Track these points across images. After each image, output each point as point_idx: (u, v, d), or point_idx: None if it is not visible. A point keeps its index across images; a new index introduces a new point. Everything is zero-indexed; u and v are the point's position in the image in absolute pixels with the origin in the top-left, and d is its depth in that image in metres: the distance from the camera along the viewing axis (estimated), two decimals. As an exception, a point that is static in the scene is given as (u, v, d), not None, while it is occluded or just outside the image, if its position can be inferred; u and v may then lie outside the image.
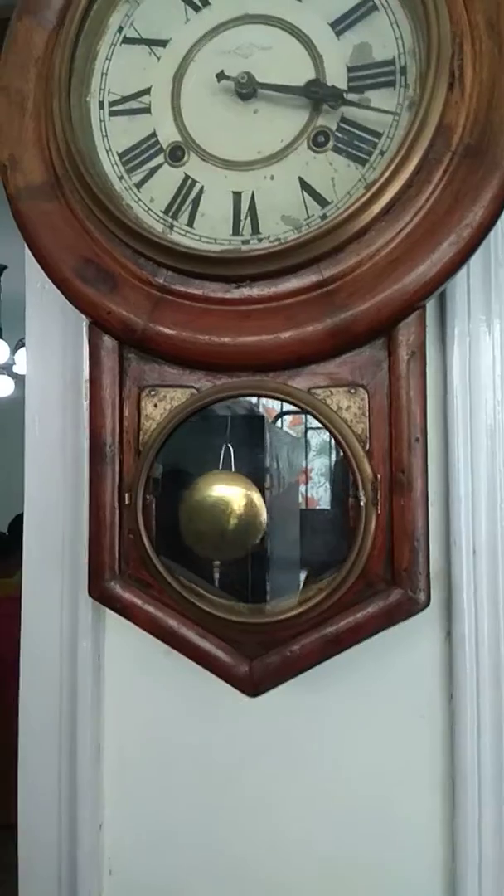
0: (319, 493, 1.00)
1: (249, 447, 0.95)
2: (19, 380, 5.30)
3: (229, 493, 0.90)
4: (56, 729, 1.05)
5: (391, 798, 0.96)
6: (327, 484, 0.94)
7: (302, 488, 0.98)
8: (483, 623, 0.93)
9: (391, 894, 0.96)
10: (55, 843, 1.06)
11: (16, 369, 5.37)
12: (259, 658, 0.85)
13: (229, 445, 0.92)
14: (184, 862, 1.03)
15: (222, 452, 0.92)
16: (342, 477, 0.84)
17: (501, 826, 0.92)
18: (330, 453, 0.96)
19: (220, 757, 1.01)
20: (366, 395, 0.84)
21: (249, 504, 0.90)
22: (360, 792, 0.97)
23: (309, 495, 1.00)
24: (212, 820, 1.01)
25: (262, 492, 0.89)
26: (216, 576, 0.89)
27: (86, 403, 1.02)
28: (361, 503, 0.81)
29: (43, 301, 1.09)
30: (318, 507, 1.01)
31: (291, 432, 1.02)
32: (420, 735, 0.96)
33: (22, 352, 5.05)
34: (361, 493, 0.81)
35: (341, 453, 0.83)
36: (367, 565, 0.82)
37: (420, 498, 0.82)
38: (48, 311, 1.09)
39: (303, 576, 0.94)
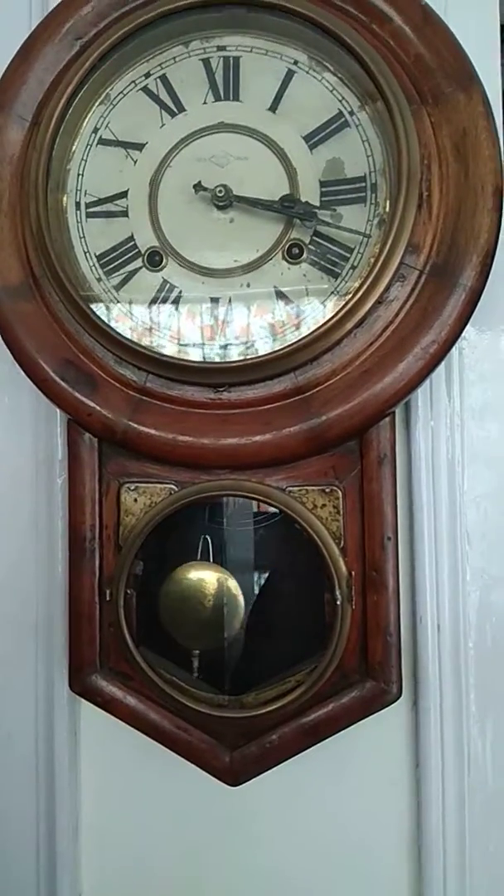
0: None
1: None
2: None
3: (207, 582, 0.93)
4: (34, 804, 1.06)
5: (362, 864, 1.01)
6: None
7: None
8: (447, 695, 0.99)
9: None
10: (34, 914, 1.08)
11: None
12: (239, 749, 0.89)
13: (207, 537, 0.95)
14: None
15: (200, 543, 0.94)
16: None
17: (464, 883, 0.99)
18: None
19: (196, 828, 1.04)
20: (340, 494, 0.88)
21: (227, 591, 0.93)
22: (332, 858, 1.02)
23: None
24: (189, 889, 1.05)
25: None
26: (195, 664, 0.92)
27: (59, 481, 1.03)
28: (338, 602, 0.85)
29: (13, 377, 1.09)
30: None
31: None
32: (389, 801, 1.01)
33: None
34: (338, 592, 0.85)
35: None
36: (343, 658, 0.87)
37: (392, 595, 0.86)
38: (19, 387, 1.09)
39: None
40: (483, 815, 0.98)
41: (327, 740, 0.90)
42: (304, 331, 0.85)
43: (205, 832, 1.03)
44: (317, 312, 0.86)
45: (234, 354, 0.87)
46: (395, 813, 1.01)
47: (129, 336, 0.86)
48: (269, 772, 0.91)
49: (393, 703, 0.87)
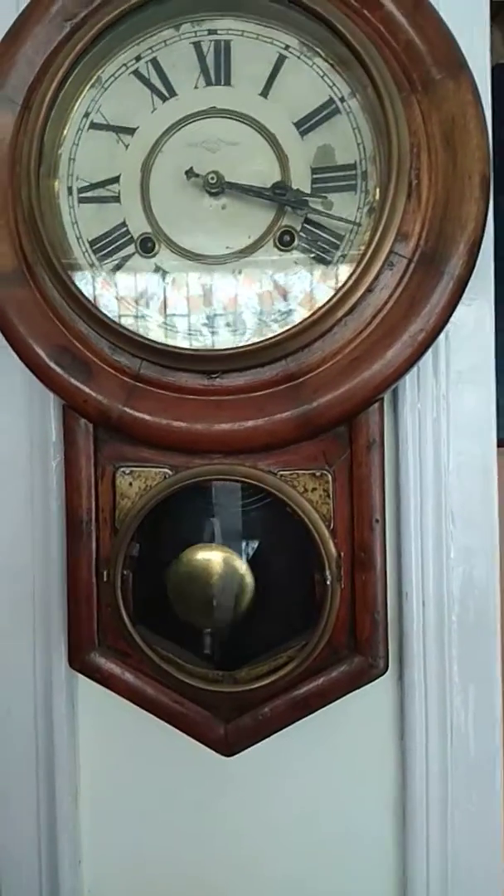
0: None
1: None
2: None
3: (215, 562, 0.96)
4: (34, 777, 1.10)
5: (350, 829, 1.06)
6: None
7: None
8: (431, 669, 1.03)
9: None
10: (36, 878, 1.12)
11: None
12: (233, 721, 0.92)
13: (213, 519, 0.97)
14: (159, 890, 1.11)
15: (206, 526, 0.97)
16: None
17: (446, 848, 1.04)
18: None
19: (191, 792, 1.08)
20: (330, 479, 0.91)
21: (235, 572, 0.96)
22: (322, 822, 1.07)
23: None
24: (185, 851, 1.09)
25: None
26: (207, 642, 0.95)
27: (54, 464, 1.05)
28: (327, 582, 0.88)
29: (5, 360, 1.10)
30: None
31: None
32: (376, 770, 1.06)
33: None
34: (327, 573, 0.88)
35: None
36: (332, 635, 0.90)
37: (380, 574, 0.90)
38: (12, 371, 1.10)
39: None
40: (465, 780, 1.03)
41: (317, 713, 0.94)
42: (294, 319, 0.87)
43: (200, 801, 1.08)
44: (307, 300, 0.87)
45: (222, 327, 0.89)
46: (382, 780, 1.06)
47: (123, 325, 0.87)
48: (263, 743, 0.95)
49: (380, 676, 0.91)
